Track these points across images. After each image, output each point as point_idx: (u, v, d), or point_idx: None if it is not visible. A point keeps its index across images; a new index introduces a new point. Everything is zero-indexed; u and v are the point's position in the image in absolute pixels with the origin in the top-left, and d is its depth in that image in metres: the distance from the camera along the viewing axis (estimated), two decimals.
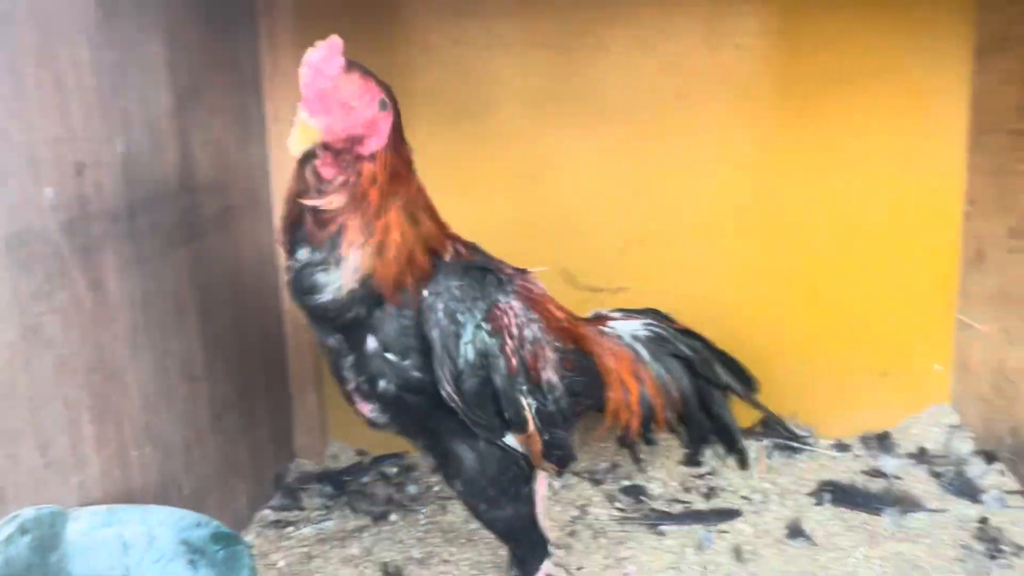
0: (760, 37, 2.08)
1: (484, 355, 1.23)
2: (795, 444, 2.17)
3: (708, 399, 1.64)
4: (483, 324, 1.24)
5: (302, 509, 1.97)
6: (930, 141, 2.12)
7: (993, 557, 1.70)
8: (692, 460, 1.68)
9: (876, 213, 2.16)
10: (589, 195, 2.16)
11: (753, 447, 2.16)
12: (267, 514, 1.94)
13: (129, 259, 1.36)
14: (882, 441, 2.17)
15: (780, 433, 2.20)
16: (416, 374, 1.23)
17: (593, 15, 2.08)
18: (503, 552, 1.76)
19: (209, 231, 1.68)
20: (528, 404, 1.32)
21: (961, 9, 2.05)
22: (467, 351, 1.21)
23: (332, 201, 1.18)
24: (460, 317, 1.20)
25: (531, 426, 1.33)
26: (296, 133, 1.13)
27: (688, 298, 2.20)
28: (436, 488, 2.04)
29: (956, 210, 2.15)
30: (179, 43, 1.55)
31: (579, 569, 1.71)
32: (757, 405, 1.69)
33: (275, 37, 2.01)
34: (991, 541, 1.75)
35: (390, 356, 1.22)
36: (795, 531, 1.82)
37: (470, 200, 2.18)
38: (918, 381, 2.25)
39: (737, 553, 1.76)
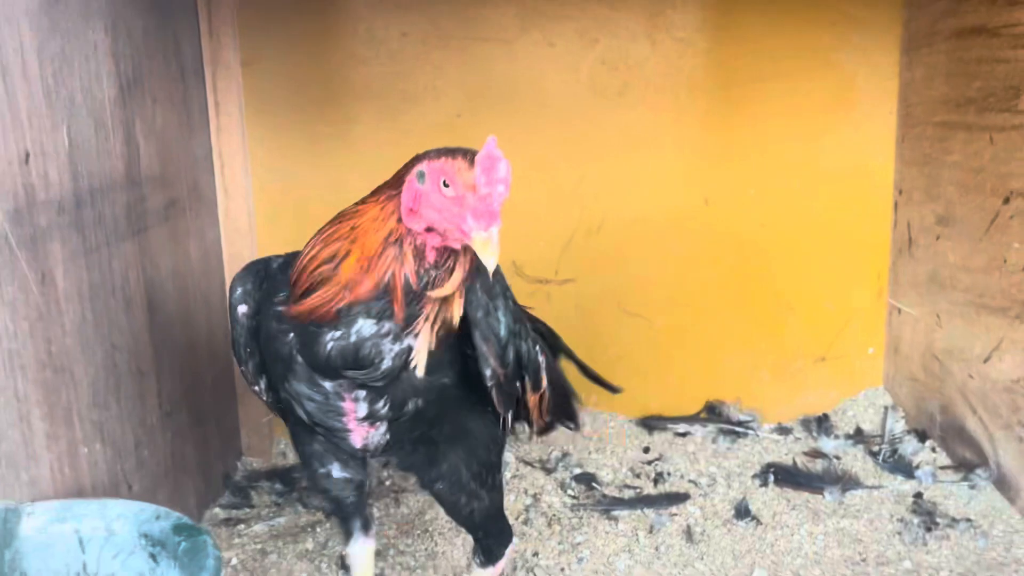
0: (700, 31, 2.14)
1: (514, 323, 1.23)
2: (739, 429, 2.23)
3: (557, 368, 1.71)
4: (507, 294, 1.24)
5: (252, 507, 1.94)
6: (862, 133, 2.21)
7: (929, 529, 1.78)
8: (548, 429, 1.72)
9: (812, 203, 2.23)
10: (534, 188, 2.18)
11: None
12: (217, 512, 1.90)
13: (76, 251, 1.33)
14: (821, 424, 2.25)
15: (721, 418, 2.26)
16: (445, 380, 1.20)
17: (537, 9, 2.11)
18: (459, 541, 1.77)
19: (154, 224, 1.64)
20: (541, 362, 1.36)
21: (889, 6, 2.14)
22: (507, 320, 1.21)
23: (447, 286, 1.12)
24: (493, 291, 1.19)
25: (544, 382, 1.38)
26: (496, 250, 1.05)
27: (633, 289, 2.25)
28: (388, 482, 2.04)
29: (887, 200, 2.24)
30: (121, 31, 1.51)
31: (535, 555, 1.73)
32: (589, 373, 1.76)
33: (216, 26, 1.97)
34: (926, 514, 1.83)
35: (424, 375, 1.17)
36: (742, 512, 1.88)
37: None
38: (854, 365, 2.34)
39: (688, 534, 1.80)
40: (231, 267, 2.08)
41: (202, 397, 1.90)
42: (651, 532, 1.82)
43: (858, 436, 2.19)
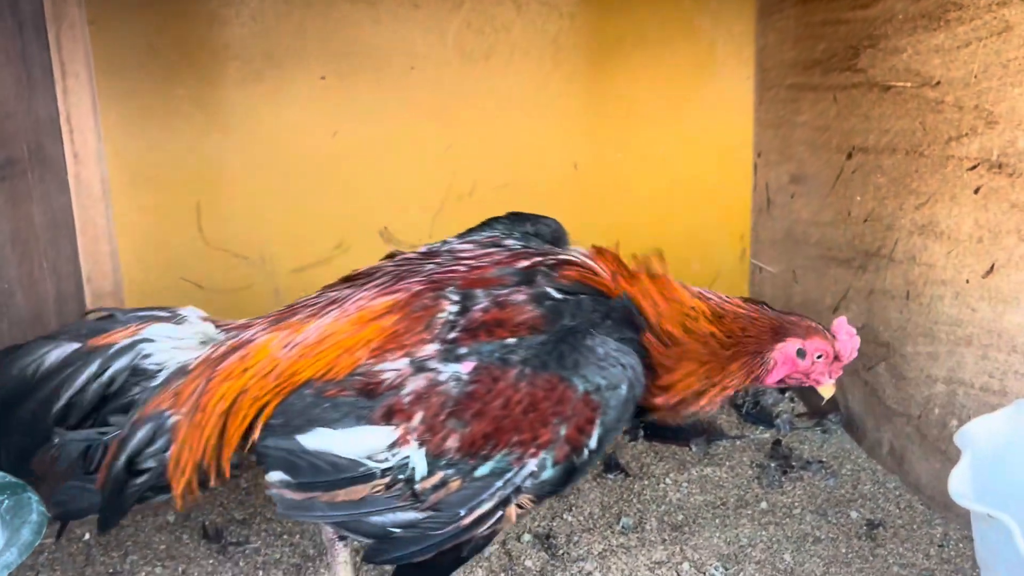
0: None
1: None
2: None
3: None
4: None
5: None
6: (723, 98, 2.28)
7: (785, 472, 1.86)
8: None
9: (677, 168, 2.29)
10: (404, 153, 2.17)
11: None
12: None
13: None
14: None
15: None
16: None
17: None
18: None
19: None
20: None
21: None
22: None
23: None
24: None
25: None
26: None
27: None
28: (254, 456, 1.99)
29: (748, 162, 2.32)
30: None
31: None
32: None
33: None
34: (783, 458, 1.91)
35: None
36: (612, 465, 1.91)
37: (278, 159, 2.13)
38: None
39: None
40: (84, 234, 1.99)
41: None
42: None
43: None
